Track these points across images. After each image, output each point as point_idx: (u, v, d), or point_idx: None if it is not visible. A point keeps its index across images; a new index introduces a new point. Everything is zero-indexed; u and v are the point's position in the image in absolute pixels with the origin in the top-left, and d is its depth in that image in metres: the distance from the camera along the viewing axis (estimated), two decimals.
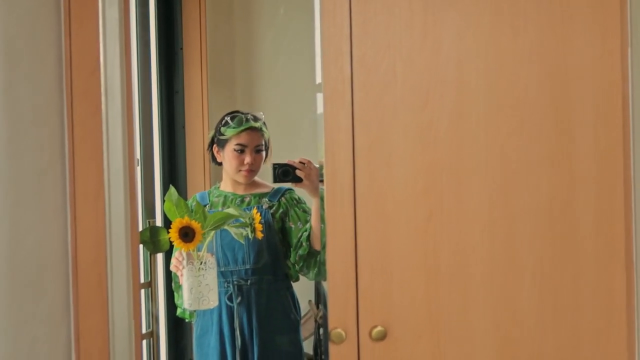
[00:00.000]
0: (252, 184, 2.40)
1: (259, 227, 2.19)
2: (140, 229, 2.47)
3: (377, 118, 1.56)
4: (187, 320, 2.48)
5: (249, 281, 2.32)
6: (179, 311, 2.44)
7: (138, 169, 2.52)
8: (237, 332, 2.30)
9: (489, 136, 1.56)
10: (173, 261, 2.21)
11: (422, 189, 1.56)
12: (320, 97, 1.58)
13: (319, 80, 1.57)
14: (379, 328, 1.54)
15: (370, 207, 1.55)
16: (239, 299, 2.30)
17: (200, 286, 2.09)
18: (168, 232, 2.05)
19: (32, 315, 1.33)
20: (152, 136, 2.71)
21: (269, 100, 3.18)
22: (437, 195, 1.56)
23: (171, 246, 2.12)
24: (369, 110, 1.56)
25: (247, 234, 2.19)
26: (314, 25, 1.58)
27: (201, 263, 2.08)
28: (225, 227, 2.14)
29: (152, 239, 2.10)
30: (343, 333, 1.52)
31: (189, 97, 2.97)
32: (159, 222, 2.72)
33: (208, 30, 2.98)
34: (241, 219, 2.20)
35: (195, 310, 2.39)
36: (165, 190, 2.80)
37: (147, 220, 2.50)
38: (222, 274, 2.32)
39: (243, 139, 2.32)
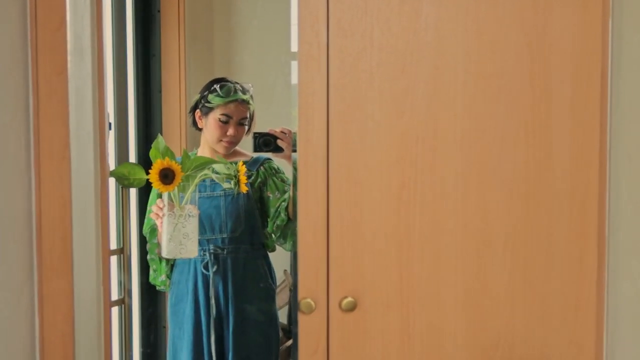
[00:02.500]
0: (231, 152, 2.36)
1: (243, 179, 2.14)
2: (114, 197, 2.44)
3: (353, 84, 1.53)
4: (159, 289, 2.45)
5: (225, 250, 2.29)
6: (151, 277, 2.41)
7: (111, 133, 2.47)
8: (213, 301, 2.27)
9: (465, 104, 1.53)
10: (153, 208, 2.18)
11: (396, 157, 1.53)
12: (295, 65, 1.54)
13: (294, 48, 1.52)
14: (349, 299, 1.52)
15: (343, 175, 1.52)
16: (215, 267, 2.28)
17: (179, 233, 2.05)
18: (147, 173, 2.01)
19: None
20: (127, 100, 2.65)
21: (247, 66, 3.13)
22: (411, 164, 1.53)
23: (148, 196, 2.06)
24: (345, 76, 1.52)
25: (231, 187, 2.15)
26: None
27: (182, 210, 2.05)
28: (211, 174, 2.10)
29: (129, 175, 2.04)
30: (312, 303, 1.50)
31: (166, 60, 2.90)
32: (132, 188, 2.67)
33: None
34: (222, 172, 2.15)
35: (169, 279, 2.37)
36: (140, 155, 2.76)
37: (120, 186, 2.45)
38: (198, 242, 2.29)
39: (229, 109, 2.28)
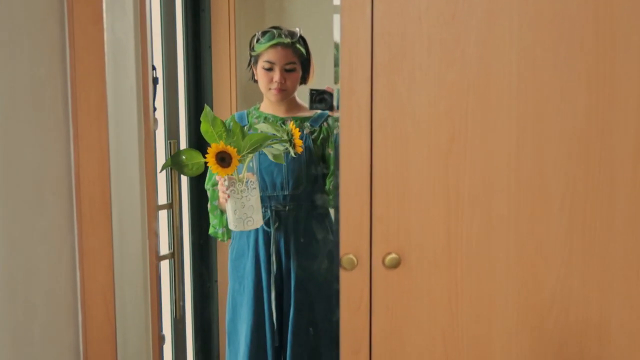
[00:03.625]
0: (294, 106, 2.31)
1: (298, 142, 2.10)
2: (164, 150, 2.43)
3: (399, 31, 1.44)
4: (220, 240, 2.45)
5: (287, 207, 2.26)
6: (211, 230, 2.41)
7: (159, 88, 2.45)
8: (273, 258, 2.25)
9: (521, 52, 1.42)
10: (220, 188, 2.17)
11: (445, 109, 1.44)
12: (337, 18, 1.46)
13: (337, 1, 1.44)
14: (392, 255, 1.45)
15: (388, 128, 1.45)
16: (277, 224, 2.25)
17: (244, 207, 2.07)
18: (204, 156, 2.01)
19: (31, 230, 1.29)
20: (176, 56, 2.62)
21: (298, 19, 3.04)
22: (462, 116, 1.44)
23: (206, 169, 2.06)
24: (390, 22, 1.43)
25: (287, 149, 2.12)
26: None
27: (243, 184, 2.04)
28: (264, 149, 2.07)
29: (186, 161, 2.04)
30: (355, 259, 1.45)
31: (216, 15, 2.85)
32: (182, 143, 2.66)
33: None
34: (278, 138, 2.12)
35: (231, 232, 2.36)
36: (190, 111, 2.74)
37: (169, 141, 2.44)
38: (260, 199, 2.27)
39: (271, 55, 2.22)
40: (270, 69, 2.22)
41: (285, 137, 2.11)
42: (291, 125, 2.11)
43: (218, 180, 2.15)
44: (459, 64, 1.44)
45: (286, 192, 2.26)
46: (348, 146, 1.45)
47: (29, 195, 1.28)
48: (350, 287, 1.46)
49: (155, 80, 1.92)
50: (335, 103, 2.06)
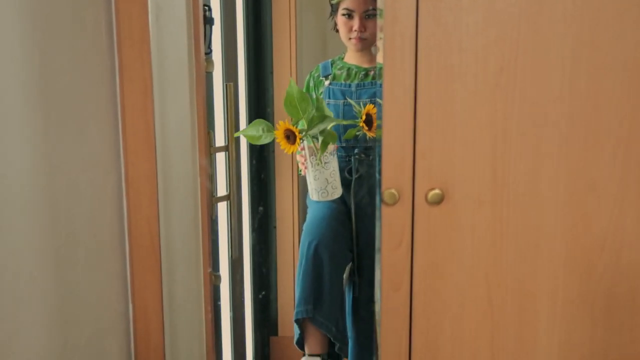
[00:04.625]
0: (373, 55, 2.28)
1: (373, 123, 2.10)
2: (222, 91, 2.44)
3: None
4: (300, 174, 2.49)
5: (370, 156, 2.24)
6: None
7: (217, 31, 2.44)
8: (353, 206, 2.24)
9: None
10: (299, 159, 2.21)
11: (494, 37, 1.37)
12: None
13: None
14: (436, 191, 1.41)
15: (434, 58, 1.39)
16: (358, 174, 2.24)
17: (320, 180, 2.09)
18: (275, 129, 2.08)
19: (74, 157, 1.31)
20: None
21: None
22: (512, 46, 1.37)
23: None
24: None
25: (357, 131, 2.12)
26: None
27: (320, 159, 2.07)
28: (335, 122, 2.11)
29: (258, 133, 2.10)
30: (396, 194, 1.41)
31: None
32: (241, 86, 2.66)
33: None
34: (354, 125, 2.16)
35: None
36: (249, 54, 2.73)
37: (226, 84, 2.44)
38: (343, 149, 2.26)
39: (349, 2, 2.18)
40: (350, 17, 2.18)
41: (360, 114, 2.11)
42: (370, 107, 2.08)
43: (300, 150, 2.16)
44: None
45: (368, 143, 2.23)
46: (391, 78, 1.40)
47: (71, 124, 1.30)
48: (392, 222, 1.43)
49: (209, 20, 1.91)
50: None
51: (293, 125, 2.05)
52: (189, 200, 1.68)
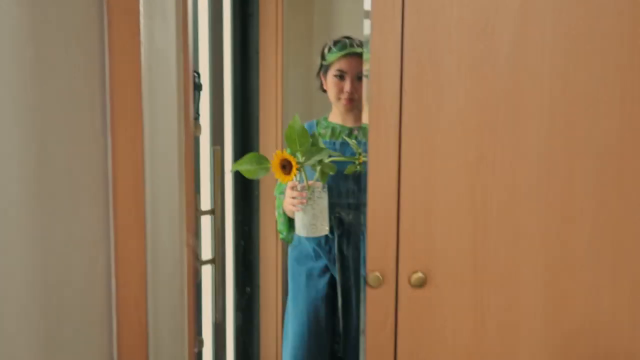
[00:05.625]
0: (359, 116, 2.32)
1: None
2: (209, 154, 2.47)
3: (429, 45, 1.41)
4: (288, 243, 2.50)
5: (350, 215, 2.26)
6: (281, 236, 2.44)
7: (206, 96, 2.48)
8: (334, 264, 2.26)
9: (553, 67, 1.38)
10: (288, 193, 2.20)
11: (475, 124, 1.41)
12: (367, 23, 1.45)
13: (367, 6, 1.43)
14: (419, 274, 1.44)
15: (417, 143, 1.43)
16: (340, 231, 2.26)
17: (312, 214, 2.11)
18: (269, 162, 2.08)
19: (66, 236, 1.33)
20: (222, 61, 2.65)
21: (346, 24, 3.04)
22: (491, 132, 1.41)
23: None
24: (421, 35, 1.41)
25: (356, 168, 2.15)
26: None
27: (313, 191, 2.08)
28: (332, 158, 2.12)
29: (253, 166, 2.11)
30: (381, 277, 1.44)
31: (264, 20, 2.87)
32: (227, 149, 2.70)
33: None
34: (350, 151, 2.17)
35: (296, 236, 2.39)
36: (236, 117, 2.77)
37: (214, 147, 2.47)
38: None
39: (343, 64, 2.23)
40: (341, 78, 2.24)
41: (359, 150, 2.15)
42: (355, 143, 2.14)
43: (288, 186, 2.18)
44: (490, 79, 1.40)
45: (350, 200, 2.26)
46: (376, 162, 1.44)
47: (64, 202, 1.32)
48: (376, 305, 1.45)
49: (198, 86, 1.95)
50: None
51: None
52: (176, 268, 1.69)
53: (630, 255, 1.39)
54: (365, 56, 2.17)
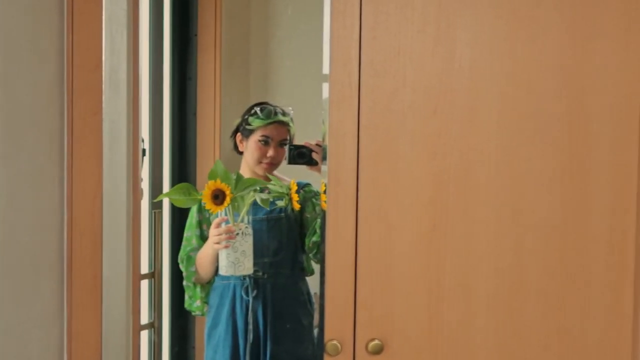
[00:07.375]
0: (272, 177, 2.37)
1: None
2: (147, 221, 2.47)
3: (385, 125, 1.51)
4: (195, 314, 2.46)
5: (265, 274, 2.29)
6: (187, 303, 2.42)
7: (146, 159, 2.49)
8: (250, 327, 2.27)
9: (499, 146, 1.50)
10: (212, 232, 2.19)
11: (428, 199, 1.51)
12: (325, 86, 1.53)
13: (325, 70, 1.52)
14: (376, 341, 1.50)
15: (373, 216, 1.51)
16: (255, 292, 2.28)
17: (237, 252, 2.12)
18: (199, 194, 2.12)
19: (26, 316, 1.31)
20: (162, 123, 2.68)
21: (282, 89, 3.13)
22: (443, 206, 1.51)
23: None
24: (376, 116, 1.51)
25: (284, 205, 2.20)
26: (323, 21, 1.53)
27: (239, 230, 2.10)
28: (255, 196, 2.16)
29: (183, 195, 2.13)
30: (339, 345, 1.49)
31: (202, 83, 2.93)
32: (165, 213, 2.69)
33: (223, 17, 2.93)
34: (275, 190, 2.26)
35: (206, 303, 2.37)
36: (174, 181, 2.78)
37: (154, 211, 2.47)
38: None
39: (269, 131, 2.30)
40: (266, 143, 2.30)
41: (284, 192, 2.21)
42: (292, 182, 2.20)
43: (213, 225, 2.18)
44: (441, 156, 1.51)
45: (266, 259, 2.29)
46: (334, 235, 1.50)
47: (24, 281, 1.31)
48: None
49: (143, 152, 1.97)
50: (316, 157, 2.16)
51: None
52: (123, 336, 1.68)
53: (574, 322, 1.51)
54: (290, 125, 2.29)
